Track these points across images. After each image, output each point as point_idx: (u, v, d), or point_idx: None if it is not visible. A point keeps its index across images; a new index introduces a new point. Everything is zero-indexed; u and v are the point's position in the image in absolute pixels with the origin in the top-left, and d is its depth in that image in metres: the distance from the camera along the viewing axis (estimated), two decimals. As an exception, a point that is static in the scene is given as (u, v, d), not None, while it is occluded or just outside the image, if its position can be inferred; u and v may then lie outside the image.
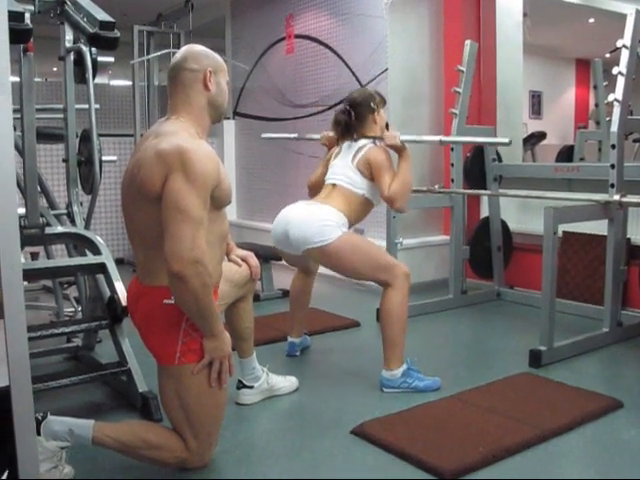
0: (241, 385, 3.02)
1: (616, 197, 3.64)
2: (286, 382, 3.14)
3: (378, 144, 3.33)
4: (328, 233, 3.09)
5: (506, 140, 3.22)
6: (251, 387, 3.01)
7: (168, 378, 2.26)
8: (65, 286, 4.62)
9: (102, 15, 2.76)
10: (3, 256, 1.21)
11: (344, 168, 3.32)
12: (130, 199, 2.24)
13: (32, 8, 3.00)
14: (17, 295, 1.23)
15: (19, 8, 2.44)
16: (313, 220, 3.13)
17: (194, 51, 2.30)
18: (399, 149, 3.26)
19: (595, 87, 6.03)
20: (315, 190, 3.52)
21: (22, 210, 3.15)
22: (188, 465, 2.32)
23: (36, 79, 3.23)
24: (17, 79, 3.12)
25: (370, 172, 3.26)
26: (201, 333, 2.20)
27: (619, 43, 3.69)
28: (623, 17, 3.81)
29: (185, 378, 2.22)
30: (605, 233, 3.87)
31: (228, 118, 7.30)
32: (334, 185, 3.33)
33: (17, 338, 1.26)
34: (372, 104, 3.38)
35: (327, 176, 3.43)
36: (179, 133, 2.17)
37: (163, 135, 2.17)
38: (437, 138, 3.52)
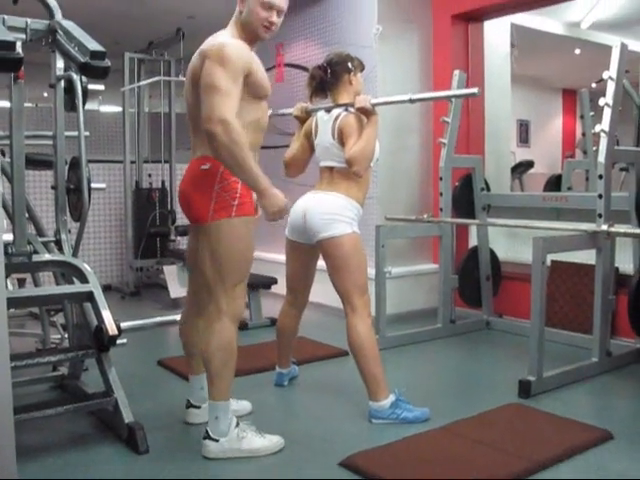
0: (189, 404, 3.12)
1: (604, 227, 3.66)
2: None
3: (351, 111, 3.24)
4: (339, 227, 3.12)
5: (474, 90, 3.10)
6: (198, 407, 3.08)
7: (203, 237, 2.70)
8: (52, 313, 4.58)
9: (93, 45, 2.76)
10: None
11: (329, 148, 3.27)
12: (189, 94, 2.73)
13: (23, 37, 3.00)
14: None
15: (10, 37, 2.43)
16: (328, 211, 3.15)
17: None
18: (368, 112, 3.17)
19: (582, 117, 6.10)
20: (292, 167, 3.49)
21: (9, 236, 3.13)
22: (230, 321, 2.70)
23: (26, 104, 3.22)
24: (7, 104, 3.12)
25: None
26: (231, 194, 2.63)
27: (605, 75, 3.73)
28: (608, 48, 3.86)
29: (216, 232, 2.65)
30: (593, 262, 3.88)
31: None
32: (331, 169, 3.28)
33: None
34: (349, 64, 3.32)
35: (318, 156, 3.38)
36: (217, 34, 2.70)
37: (216, 36, 2.69)
38: (407, 97, 3.28)
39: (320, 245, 3.21)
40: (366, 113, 3.18)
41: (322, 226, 3.14)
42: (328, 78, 3.32)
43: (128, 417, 2.85)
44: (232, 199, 2.64)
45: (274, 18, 2.72)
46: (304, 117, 3.51)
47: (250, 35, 2.73)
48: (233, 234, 2.66)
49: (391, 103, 3.45)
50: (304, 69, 6.06)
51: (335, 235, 3.12)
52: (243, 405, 3.25)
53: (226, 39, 2.63)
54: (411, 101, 3.27)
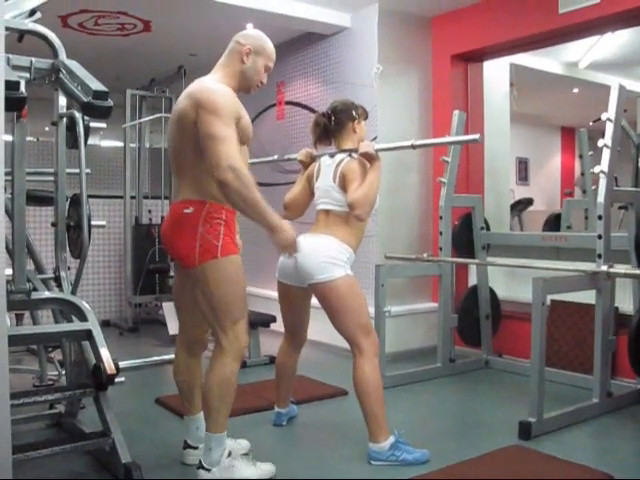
0: (186, 445, 3.09)
1: (604, 268, 3.66)
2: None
3: (354, 156, 3.27)
4: (333, 270, 3.09)
5: (476, 137, 3.11)
6: (196, 448, 3.03)
7: (195, 282, 2.75)
8: (49, 349, 4.56)
9: (96, 84, 2.79)
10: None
11: (329, 191, 3.27)
12: (175, 136, 2.80)
13: (28, 75, 3.03)
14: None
15: (15, 77, 2.46)
16: (322, 254, 3.12)
17: (248, 32, 2.95)
18: (372, 158, 3.19)
19: (581, 156, 6.13)
20: (292, 209, 3.48)
21: (9, 271, 3.12)
22: (231, 359, 2.75)
23: (28, 138, 3.25)
24: (9, 137, 3.14)
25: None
26: (215, 236, 2.69)
27: (604, 116, 3.76)
28: (605, 87, 3.90)
29: (205, 275, 2.69)
30: (593, 301, 3.87)
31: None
32: (327, 212, 3.29)
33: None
34: (353, 112, 3.36)
35: (316, 200, 3.38)
36: (205, 80, 2.79)
37: (204, 81, 2.78)
38: (409, 143, 3.32)
39: (314, 289, 3.19)
40: (370, 158, 3.20)
41: (315, 270, 3.12)
42: (332, 125, 3.36)
43: (125, 457, 2.82)
44: (216, 240, 2.70)
45: (265, 79, 2.97)
46: (308, 162, 3.53)
47: (243, 86, 2.89)
48: (221, 275, 2.71)
49: (394, 149, 3.50)
50: (305, 107, 6.11)
51: (329, 279, 3.10)
52: (242, 444, 3.22)
53: (215, 85, 2.74)
54: (413, 147, 3.31)
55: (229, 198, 2.64)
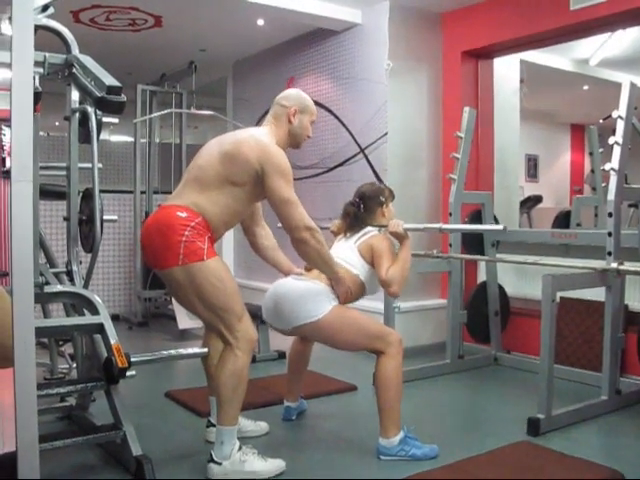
0: (210, 424, 3.25)
1: (614, 265, 3.66)
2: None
3: (382, 232, 3.36)
4: (318, 308, 3.06)
5: (500, 227, 3.27)
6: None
7: (178, 281, 2.76)
8: (60, 343, 4.59)
9: (110, 79, 2.80)
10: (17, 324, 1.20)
11: (345, 249, 3.32)
12: (215, 153, 2.89)
13: (41, 70, 3.04)
14: (28, 373, 1.22)
15: (29, 72, 2.47)
16: (303, 296, 3.10)
17: (288, 93, 3.15)
18: (401, 237, 3.28)
19: (591, 153, 6.12)
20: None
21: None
22: (242, 352, 2.79)
23: (39, 133, 3.27)
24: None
25: (371, 256, 3.25)
26: (200, 239, 2.75)
27: (615, 114, 3.76)
28: (615, 85, 3.89)
29: (193, 276, 2.74)
30: (602, 299, 3.87)
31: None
32: None
33: (27, 414, 1.25)
34: (381, 197, 3.44)
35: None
36: (267, 135, 2.94)
37: (263, 134, 2.94)
38: (437, 226, 3.56)
39: (301, 331, 3.17)
40: (399, 237, 3.29)
41: (299, 312, 3.09)
42: (361, 213, 3.42)
43: (136, 450, 2.84)
44: (202, 243, 2.77)
45: (312, 132, 3.15)
46: (338, 233, 3.56)
47: (293, 143, 3.09)
48: (214, 275, 2.77)
49: (423, 230, 3.64)
50: (315, 103, 6.10)
51: (315, 318, 3.06)
52: (261, 426, 3.42)
53: (280, 150, 2.90)
54: (440, 230, 3.56)
55: (306, 253, 2.88)
